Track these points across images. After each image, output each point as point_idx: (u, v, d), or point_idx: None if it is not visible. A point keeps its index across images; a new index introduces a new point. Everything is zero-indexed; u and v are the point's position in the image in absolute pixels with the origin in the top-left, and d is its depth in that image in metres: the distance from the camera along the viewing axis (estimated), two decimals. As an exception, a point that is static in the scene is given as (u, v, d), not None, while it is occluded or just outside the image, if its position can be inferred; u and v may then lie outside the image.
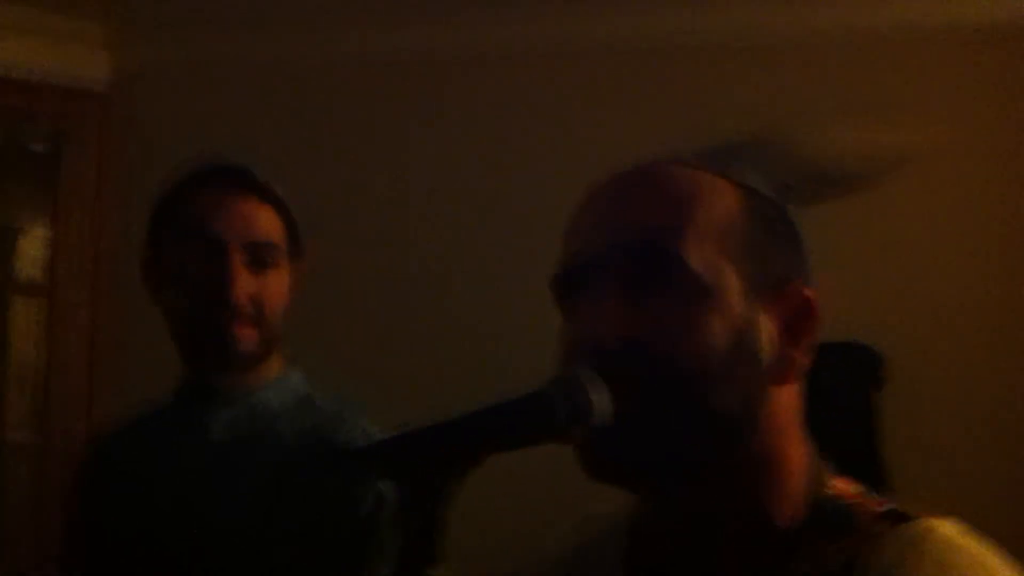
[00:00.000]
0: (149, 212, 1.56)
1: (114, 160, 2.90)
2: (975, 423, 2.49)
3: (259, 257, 1.49)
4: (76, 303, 2.86)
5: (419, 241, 2.84)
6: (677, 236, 0.86)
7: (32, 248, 3.21)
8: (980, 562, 0.81)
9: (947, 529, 0.83)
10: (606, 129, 2.66)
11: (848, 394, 2.44)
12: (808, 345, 0.88)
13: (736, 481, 0.86)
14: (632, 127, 2.61)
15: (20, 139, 3.02)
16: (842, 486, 0.89)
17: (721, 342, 0.84)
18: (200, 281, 1.48)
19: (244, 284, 1.47)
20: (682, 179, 0.90)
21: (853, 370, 2.45)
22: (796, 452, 0.89)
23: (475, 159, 2.82)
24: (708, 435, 0.84)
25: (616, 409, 0.82)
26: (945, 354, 2.52)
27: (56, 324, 2.85)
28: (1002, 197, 2.56)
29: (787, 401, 0.88)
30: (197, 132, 2.81)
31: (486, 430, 0.80)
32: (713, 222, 0.87)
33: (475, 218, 2.81)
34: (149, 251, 1.57)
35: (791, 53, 2.68)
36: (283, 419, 1.53)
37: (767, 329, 0.87)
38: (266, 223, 1.51)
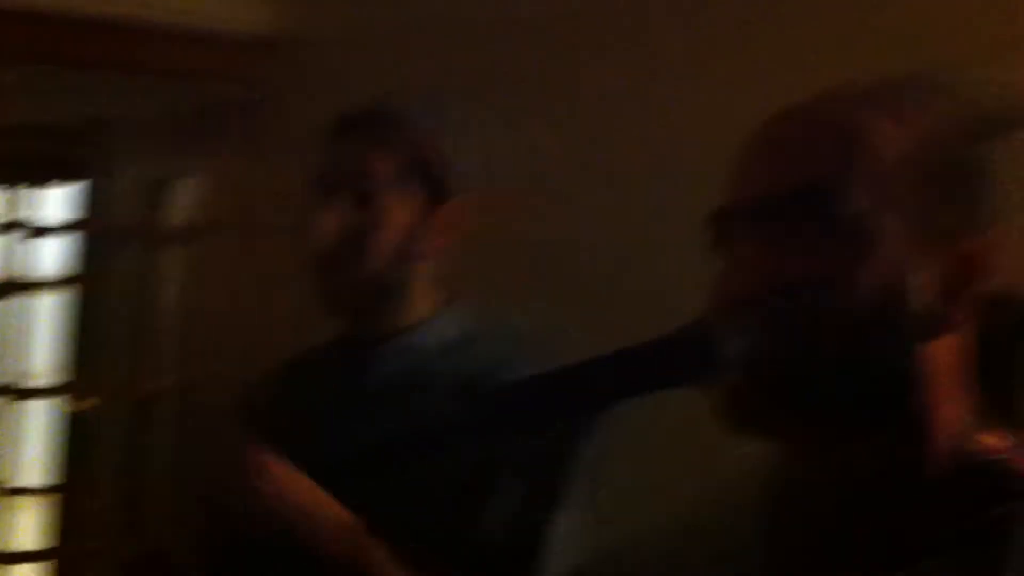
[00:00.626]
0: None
1: (276, 109, 2.91)
2: None
3: (361, 192, 1.49)
4: (229, 251, 2.93)
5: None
6: (840, 179, 0.82)
7: (185, 198, 3.29)
8: None
9: None
10: (760, 65, 2.59)
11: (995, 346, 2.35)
12: (969, 300, 0.83)
13: (882, 434, 0.83)
14: (785, 63, 2.55)
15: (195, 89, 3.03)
16: (995, 441, 0.85)
17: (879, 290, 0.80)
18: (316, 225, 1.50)
19: (334, 219, 1.48)
20: (847, 117, 0.85)
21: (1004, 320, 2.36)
22: (950, 406, 0.85)
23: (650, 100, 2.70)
24: (858, 386, 0.81)
25: (758, 358, 0.79)
26: None
27: (223, 269, 2.93)
28: None
29: (942, 356, 0.84)
30: (362, 86, 2.81)
31: (620, 374, 0.78)
32: (878, 163, 0.83)
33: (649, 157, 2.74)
34: None
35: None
36: (441, 362, 1.51)
37: (927, 280, 0.82)
38: (373, 157, 1.50)
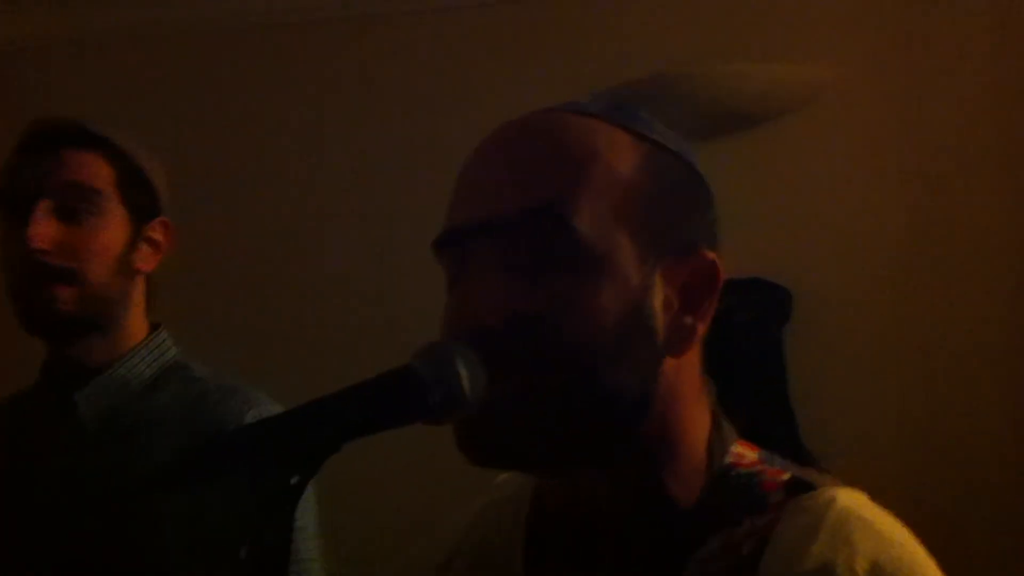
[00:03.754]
0: None
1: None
2: (878, 359, 2.51)
3: (73, 203, 1.37)
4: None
5: (307, 210, 2.80)
6: (567, 201, 0.78)
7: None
8: (880, 533, 0.78)
9: (848, 500, 0.80)
10: (504, 80, 2.59)
11: (757, 332, 2.43)
12: (709, 312, 0.82)
13: (629, 461, 0.81)
14: (529, 77, 2.55)
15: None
16: (743, 453, 0.85)
17: (612, 316, 0.77)
18: (15, 237, 1.36)
19: (46, 230, 1.34)
20: (576, 134, 0.81)
21: (762, 307, 2.45)
22: (695, 424, 0.84)
23: (370, 118, 2.76)
24: (595, 417, 0.78)
25: (495, 389, 0.75)
26: (850, 289, 2.53)
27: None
28: (906, 130, 2.55)
29: (685, 371, 0.83)
30: (79, 102, 2.70)
31: (345, 413, 0.71)
32: (609, 183, 0.80)
33: (369, 178, 2.76)
34: None
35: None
36: (161, 391, 1.43)
37: (664, 297, 0.80)
38: (86, 168, 1.39)
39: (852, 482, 0.84)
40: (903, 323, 2.50)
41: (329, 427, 0.70)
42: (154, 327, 1.48)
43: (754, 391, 2.30)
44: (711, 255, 0.82)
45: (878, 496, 0.83)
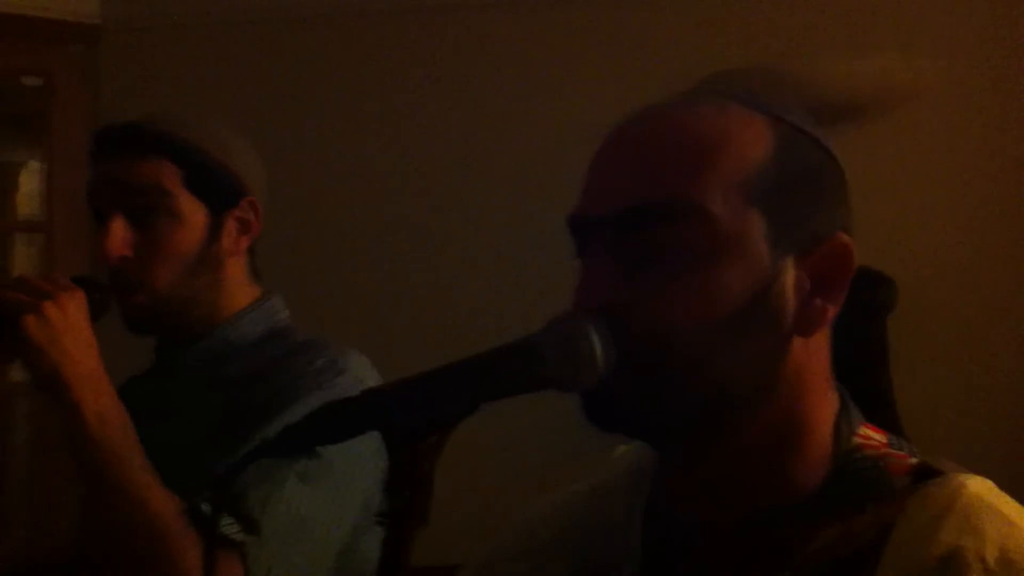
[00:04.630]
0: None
1: (108, 93, 2.86)
2: (977, 348, 2.46)
3: (144, 208, 1.42)
4: (74, 240, 2.84)
5: (406, 194, 2.82)
6: (697, 186, 0.79)
7: (31, 183, 3.18)
8: (1010, 521, 0.77)
9: (978, 487, 0.79)
10: (608, 75, 2.59)
11: (862, 321, 2.40)
12: (840, 295, 0.82)
13: (755, 437, 0.81)
14: (635, 69, 2.55)
15: (14, 74, 2.97)
16: (871, 436, 0.85)
17: (738, 297, 0.78)
18: (100, 247, 1.43)
19: (118, 245, 1.41)
20: (708, 117, 0.82)
21: (866, 296, 2.42)
22: (821, 408, 0.84)
23: (467, 111, 2.78)
24: (716, 396, 0.79)
25: (621, 359, 0.77)
26: (952, 280, 2.49)
27: (55, 261, 2.83)
28: (1008, 121, 2.50)
29: (814, 354, 0.83)
30: (186, 67, 2.79)
31: (478, 377, 0.75)
32: (741, 164, 0.80)
33: (465, 170, 2.77)
34: None
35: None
36: (256, 348, 1.48)
37: (795, 278, 0.81)
38: (152, 172, 1.43)
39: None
40: (1004, 314, 2.45)
41: (468, 389, 0.74)
42: (265, 293, 1.53)
43: (858, 380, 2.28)
44: (845, 238, 0.82)
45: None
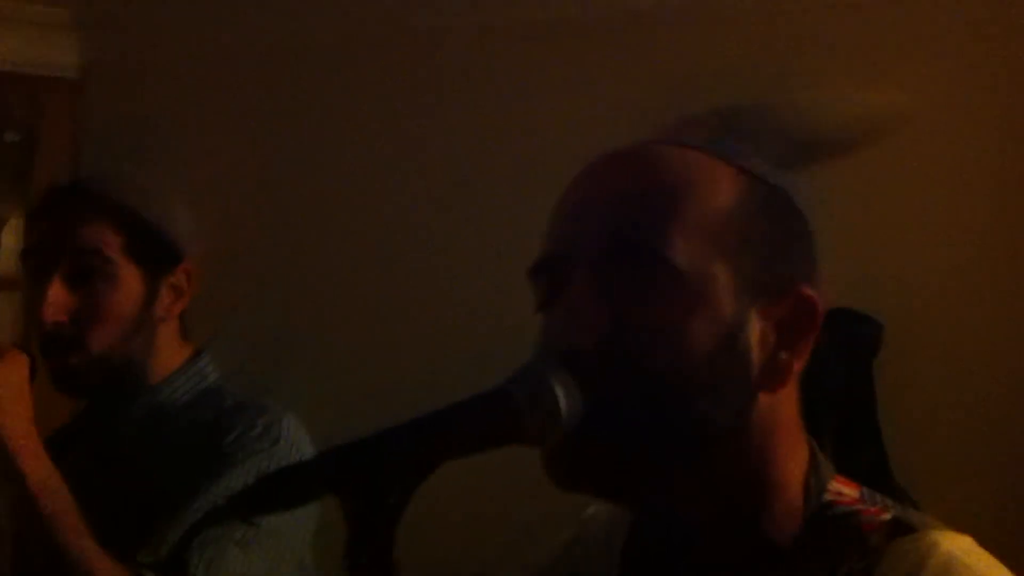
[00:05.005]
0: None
1: (88, 146, 2.87)
2: (969, 391, 2.44)
3: (83, 269, 1.45)
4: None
5: (396, 228, 2.81)
6: (662, 230, 0.79)
7: (12, 241, 3.17)
8: None
9: (952, 544, 0.78)
10: (588, 105, 2.60)
11: (846, 364, 2.39)
12: (806, 349, 0.81)
13: (722, 495, 0.81)
14: (614, 100, 2.55)
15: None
16: (842, 490, 0.83)
17: (704, 347, 0.77)
18: (34, 301, 1.47)
19: (55, 307, 1.43)
20: (673, 165, 0.82)
21: (851, 339, 2.40)
22: (791, 461, 0.82)
23: (453, 139, 2.78)
24: (685, 445, 0.78)
25: (586, 413, 0.75)
26: (940, 319, 2.47)
27: (31, 320, 2.81)
28: (1001, 157, 2.50)
29: (781, 407, 0.82)
30: (171, 116, 2.78)
31: (441, 433, 0.72)
32: (706, 215, 0.80)
33: (453, 200, 2.77)
34: None
35: (778, 16, 2.62)
36: (188, 409, 1.50)
37: (760, 331, 0.80)
38: (94, 236, 1.46)
39: (944, 516, 0.81)
40: (997, 355, 2.43)
41: (425, 447, 0.71)
42: (197, 353, 1.56)
43: (843, 424, 2.26)
44: (809, 291, 0.82)
45: (972, 531, 0.80)
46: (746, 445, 0.80)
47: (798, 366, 0.81)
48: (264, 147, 2.85)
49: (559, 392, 0.74)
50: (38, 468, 1.29)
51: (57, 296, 1.44)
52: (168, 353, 1.53)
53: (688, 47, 2.65)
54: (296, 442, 1.43)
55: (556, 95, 2.71)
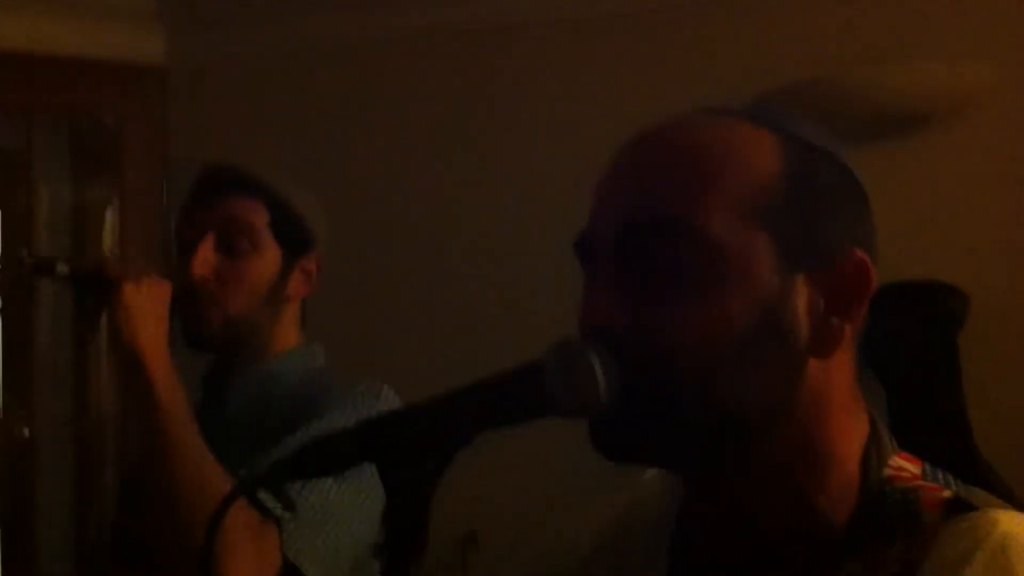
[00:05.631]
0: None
1: (178, 135, 2.95)
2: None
3: (232, 242, 1.58)
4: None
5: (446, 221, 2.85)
6: (693, 201, 0.77)
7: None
8: None
9: (1012, 524, 0.75)
10: (653, 84, 2.59)
11: (931, 337, 2.36)
12: (858, 314, 0.79)
13: (770, 468, 0.79)
14: (678, 79, 2.54)
15: (90, 113, 3.07)
16: (903, 465, 0.81)
17: (741, 319, 0.76)
18: (180, 268, 1.58)
19: (203, 262, 1.56)
20: (711, 136, 0.80)
21: (936, 312, 2.37)
22: (847, 434, 0.81)
23: (503, 133, 2.79)
24: (722, 420, 0.77)
25: (626, 388, 0.75)
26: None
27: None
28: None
29: (834, 377, 0.80)
30: (255, 106, 2.84)
31: (478, 407, 0.74)
32: (744, 184, 0.78)
33: (503, 190, 2.79)
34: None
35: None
36: (287, 390, 1.60)
37: (808, 298, 0.78)
38: (245, 210, 1.60)
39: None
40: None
41: (462, 420, 0.74)
42: (307, 342, 1.68)
43: (927, 399, 2.23)
44: (861, 255, 0.80)
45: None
46: (799, 416, 0.79)
47: (850, 332, 0.80)
48: (344, 139, 2.89)
49: (595, 366, 0.75)
50: (164, 370, 1.42)
51: (207, 253, 1.57)
52: (287, 332, 1.65)
53: (753, 26, 2.62)
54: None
55: (609, 83, 2.70)
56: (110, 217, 3.14)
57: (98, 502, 3.13)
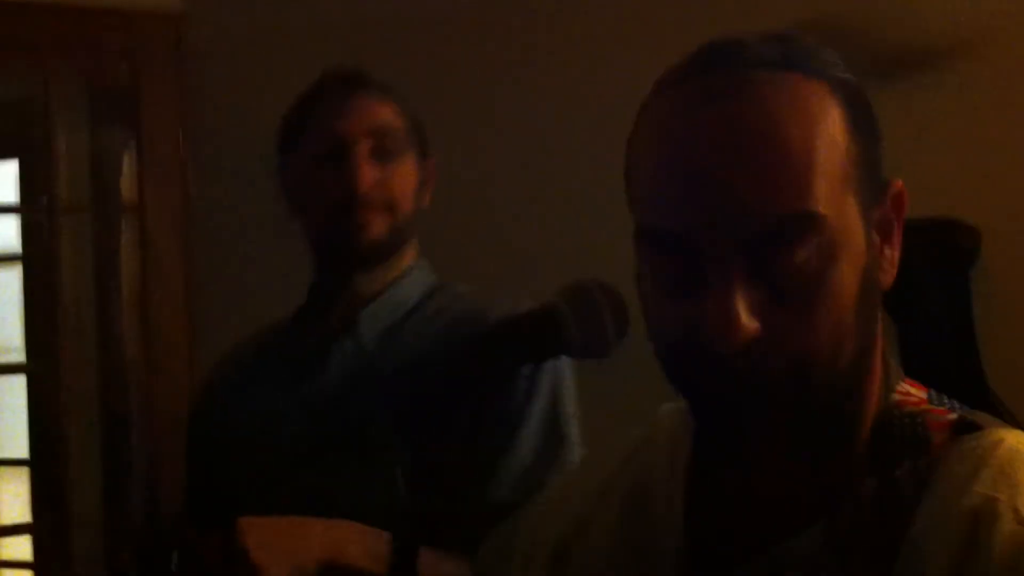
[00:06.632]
0: (277, 125, 1.63)
1: (195, 81, 2.94)
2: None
3: (384, 146, 1.54)
4: (167, 220, 2.96)
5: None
6: (808, 189, 0.75)
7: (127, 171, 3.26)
8: None
9: (1016, 440, 0.78)
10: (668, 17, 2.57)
11: (943, 274, 2.37)
12: (899, 238, 0.81)
13: (824, 404, 0.80)
14: (690, 14, 2.52)
15: (102, 66, 3.08)
16: (910, 390, 0.84)
17: (853, 295, 0.76)
18: (332, 175, 1.53)
19: (369, 172, 1.51)
20: (787, 111, 0.76)
21: (949, 248, 2.38)
22: (876, 362, 0.83)
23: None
24: (840, 394, 0.79)
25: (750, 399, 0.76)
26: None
27: (148, 243, 2.96)
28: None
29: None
30: (273, 51, 2.82)
31: (495, 344, 0.80)
32: (833, 156, 0.77)
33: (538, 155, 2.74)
34: (279, 160, 1.63)
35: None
36: (426, 307, 1.57)
37: (872, 238, 0.79)
38: (388, 114, 1.56)
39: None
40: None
41: (479, 359, 0.79)
42: (416, 256, 1.65)
43: (939, 335, 2.25)
44: (900, 184, 0.82)
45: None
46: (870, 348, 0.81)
47: (897, 257, 0.82)
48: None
49: (607, 317, 0.79)
50: None
51: (368, 168, 1.53)
52: (412, 245, 1.63)
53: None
54: None
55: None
56: (128, 162, 3.16)
57: (125, 449, 3.19)
